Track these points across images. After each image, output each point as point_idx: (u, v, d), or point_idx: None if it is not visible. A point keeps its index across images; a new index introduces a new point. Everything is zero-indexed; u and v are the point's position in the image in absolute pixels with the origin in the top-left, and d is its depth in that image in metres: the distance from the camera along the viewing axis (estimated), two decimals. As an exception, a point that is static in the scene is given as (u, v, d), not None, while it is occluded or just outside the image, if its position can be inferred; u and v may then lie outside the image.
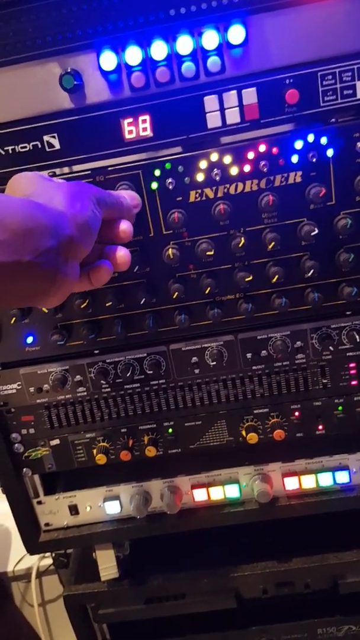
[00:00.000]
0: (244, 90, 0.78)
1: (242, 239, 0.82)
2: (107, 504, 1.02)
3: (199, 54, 0.76)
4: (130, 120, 0.80)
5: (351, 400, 0.94)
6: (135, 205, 0.78)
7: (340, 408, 0.95)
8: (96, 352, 0.93)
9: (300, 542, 1.09)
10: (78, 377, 0.94)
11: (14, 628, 1.71)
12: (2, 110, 0.80)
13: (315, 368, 0.93)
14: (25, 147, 0.81)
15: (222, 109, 0.79)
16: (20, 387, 0.95)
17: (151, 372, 0.93)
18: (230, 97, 0.78)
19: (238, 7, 0.75)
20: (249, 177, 0.81)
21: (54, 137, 0.81)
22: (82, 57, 0.77)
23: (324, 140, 0.79)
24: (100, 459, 0.97)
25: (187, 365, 0.93)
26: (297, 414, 0.95)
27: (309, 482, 0.99)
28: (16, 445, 0.98)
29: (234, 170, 0.81)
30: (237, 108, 0.79)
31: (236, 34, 0.75)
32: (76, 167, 0.82)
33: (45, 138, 0.81)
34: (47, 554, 1.51)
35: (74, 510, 1.04)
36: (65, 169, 0.82)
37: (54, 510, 1.04)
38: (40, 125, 0.80)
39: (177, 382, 0.94)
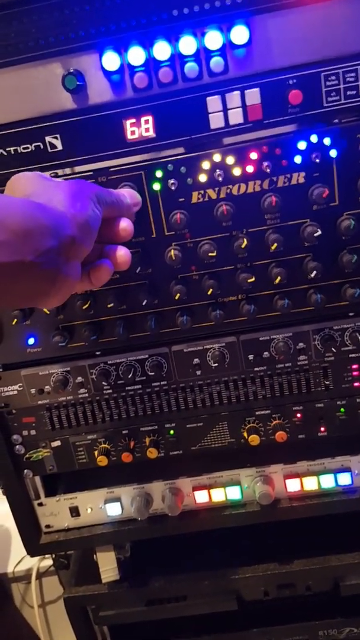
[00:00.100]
0: (247, 91, 0.78)
1: (245, 240, 0.82)
2: (108, 506, 1.02)
3: (202, 55, 0.76)
4: (133, 120, 0.79)
5: (353, 401, 0.94)
6: (135, 203, 0.78)
7: (342, 410, 0.94)
8: (98, 353, 0.93)
9: (301, 544, 1.09)
10: (79, 379, 0.94)
11: (14, 629, 1.70)
12: (4, 110, 0.79)
13: (317, 370, 0.92)
14: (28, 147, 0.81)
15: (225, 110, 0.79)
16: (21, 388, 0.94)
17: (153, 373, 0.93)
18: (233, 97, 0.78)
19: (241, 7, 0.74)
20: (251, 177, 0.81)
21: (56, 137, 0.80)
22: (85, 58, 0.77)
23: (327, 140, 0.79)
24: (102, 461, 0.96)
25: (188, 366, 0.93)
26: (299, 415, 0.95)
27: (310, 484, 0.99)
28: (17, 446, 0.98)
29: (236, 171, 0.80)
30: (240, 109, 0.79)
31: (239, 34, 0.74)
32: (78, 168, 0.82)
33: (48, 139, 0.80)
34: (48, 555, 1.50)
35: (74, 512, 1.04)
36: (68, 170, 0.82)
37: (54, 512, 1.04)
38: (43, 125, 0.80)
39: (178, 384, 0.94)
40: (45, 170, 0.81)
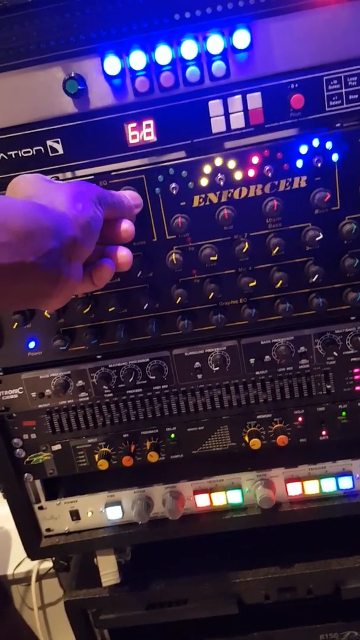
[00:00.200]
0: (248, 95, 0.78)
1: (246, 244, 0.82)
2: (108, 510, 1.02)
3: (204, 59, 0.76)
4: (134, 125, 0.79)
5: (355, 405, 0.94)
6: (136, 205, 0.78)
7: (344, 414, 0.94)
8: (98, 357, 0.93)
9: (302, 548, 1.09)
10: (80, 382, 0.93)
11: (14, 631, 1.70)
12: (6, 114, 0.79)
13: (319, 373, 0.92)
14: (29, 151, 0.81)
15: (226, 114, 0.79)
16: (22, 392, 0.94)
17: (154, 377, 0.93)
18: (235, 101, 0.78)
19: (243, 11, 0.74)
20: (253, 182, 0.81)
21: (57, 142, 0.80)
22: (86, 62, 0.77)
23: (329, 145, 0.79)
24: (102, 464, 0.96)
25: (189, 370, 0.93)
26: (300, 419, 0.95)
27: (312, 487, 0.98)
28: (18, 450, 0.98)
29: (238, 175, 0.80)
30: (242, 113, 0.78)
31: (241, 38, 0.74)
32: (79, 172, 0.82)
33: (49, 143, 0.80)
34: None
35: (75, 515, 1.04)
36: (69, 174, 0.82)
37: (55, 516, 1.04)
38: (44, 130, 0.80)
39: (179, 388, 0.94)
40: (46, 174, 0.80)
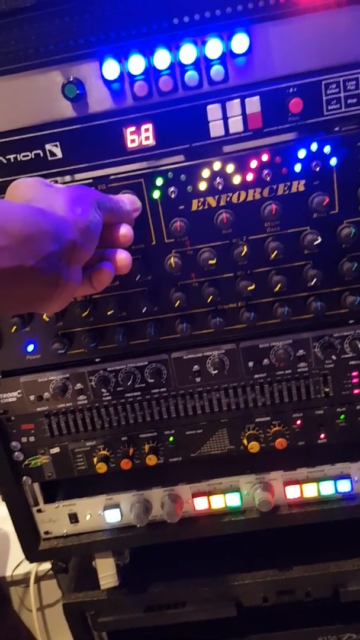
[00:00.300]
0: (247, 99, 0.78)
1: (245, 247, 0.82)
2: (107, 513, 1.02)
3: (202, 63, 0.76)
4: (133, 129, 0.79)
5: (353, 408, 0.94)
6: (135, 209, 0.78)
7: (342, 417, 0.94)
8: (97, 360, 0.93)
9: (300, 551, 1.09)
10: (79, 385, 0.93)
11: (12, 633, 1.70)
12: (4, 118, 0.79)
13: (317, 377, 0.92)
14: (27, 155, 0.81)
15: (225, 118, 0.79)
16: (20, 395, 0.94)
17: (152, 380, 0.93)
18: (233, 106, 0.78)
19: (242, 16, 0.74)
20: (251, 185, 0.81)
21: (56, 145, 0.80)
22: (85, 66, 0.77)
23: (327, 149, 0.79)
24: (101, 468, 0.96)
25: (188, 373, 0.92)
26: (299, 422, 0.95)
27: (310, 490, 0.99)
28: (16, 453, 0.98)
29: (236, 179, 0.80)
30: (240, 117, 0.79)
31: (240, 42, 0.74)
32: (78, 176, 0.82)
33: (48, 147, 0.80)
34: (46, 559, 1.50)
35: (73, 518, 1.04)
36: (67, 178, 0.82)
37: (53, 519, 1.04)
38: (43, 134, 0.80)
39: (178, 391, 0.94)
40: (45, 178, 0.80)
